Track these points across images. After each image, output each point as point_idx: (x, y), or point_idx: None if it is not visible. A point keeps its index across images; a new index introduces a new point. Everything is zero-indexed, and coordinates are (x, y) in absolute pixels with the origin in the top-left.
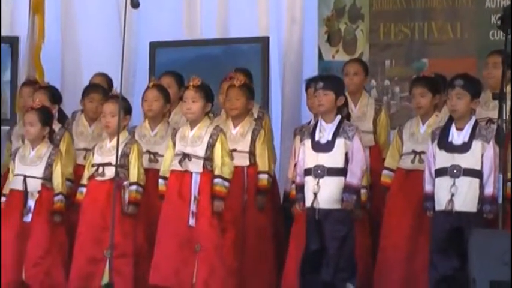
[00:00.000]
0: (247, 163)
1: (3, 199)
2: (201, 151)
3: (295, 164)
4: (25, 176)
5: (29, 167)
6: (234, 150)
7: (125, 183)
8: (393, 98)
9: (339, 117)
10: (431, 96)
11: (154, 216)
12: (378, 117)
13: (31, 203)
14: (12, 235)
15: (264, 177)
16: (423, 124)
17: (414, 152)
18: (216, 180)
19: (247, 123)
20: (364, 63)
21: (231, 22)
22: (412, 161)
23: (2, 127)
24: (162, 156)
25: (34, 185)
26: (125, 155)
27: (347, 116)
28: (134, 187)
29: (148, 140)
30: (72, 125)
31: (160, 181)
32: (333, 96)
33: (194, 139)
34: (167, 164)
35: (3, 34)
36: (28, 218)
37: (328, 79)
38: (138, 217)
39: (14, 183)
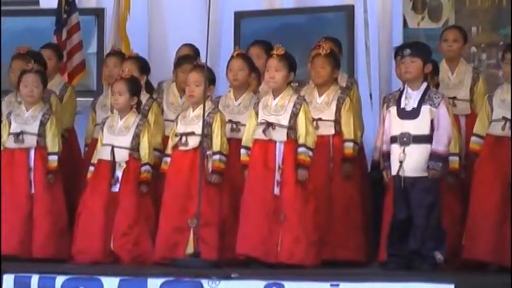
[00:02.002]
0: (333, 132)
1: (91, 169)
2: (284, 120)
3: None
4: (113, 146)
5: (117, 137)
6: (320, 119)
7: (208, 152)
8: (480, 65)
9: (425, 84)
10: None
11: (236, 185)
12: (476, 85)
13: (119, 173)
14: (101, 205)
15: (349, 145)
16: None
17: (504, 118)
18: (300, 149)
19: (332, 91)
20: (464, 30)
21: None
22: (502, 128)
23: (88, 98)
24: (244, 125)
25: (122, 155)
26: (208, 125)
27: (436, 85)
28: (217, 156)
29: (232, 110)
30: (163, 94)
31: (243, 151)
32: (421, 63)
33: (277, 108)
34: (249, 133)
35: (89, 6)
36: (116, 188)
37: (415, 46)
38: (222, 186)
39: (102, 153)
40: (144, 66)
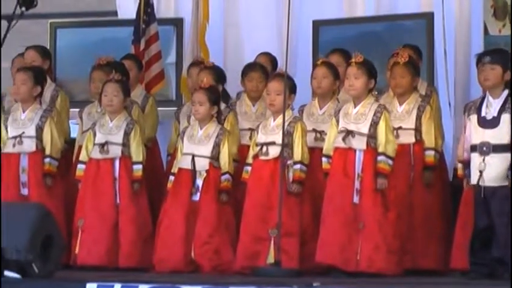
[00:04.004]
0: (413, 140)
1: (172, 178)
2: (364, 128)
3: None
4: (193, 155)
5: (197, 146)
6: (400, 127)
7: (289, 162)
8: None
9: (506, 91)
10: None
11: (319, 194)
12: None
13: (199, 182)
14: (182, 214)
15: (430, 154)
16: None
17: None
18: (380, 157)
19: (412, 100)
20: None
21: None
22: None
23: (167, 108)
24: None
25: (202, 164)
26: (289, 134)
27: None
28: (298, 166)
29: (316, 118)
30: (236, 105)
31: (324, 159)
32: (500, 70)
33: (358, 116)
34: (330, 142)
35: (168, 16)
36: (196, 197)
37: (495, 53)
38: (303, 196)
39: (183, 162)
40: (220, 75)
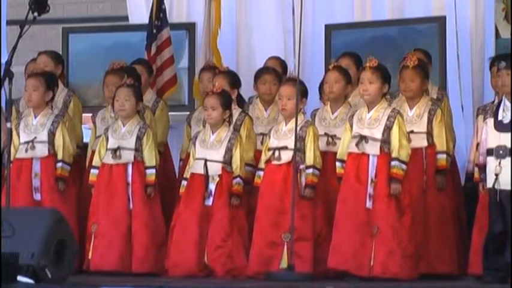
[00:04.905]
0: (425, 144)
1: (184, 183)
2: (378, 133)
3: (477, 144)
4: (206, 160)
5: (210, 151)
6: (412, 131)
7: (302, 166)
8: None
9: None
10: None
11: (332, 198)
12: None
13: (212, 186)
14: (195, 219)
15: (442, 157)
16: None
17: None
18: (393, 162)
19: (423, 103)
20: None
21: (404, 2)
22: None
23: (179, 113)
24: (340, 139)
25: (215, 169)
26: (301, 138)
27: None
28: (311, 170)
29: (328, 123)
30: (248, 109)
31: (338, 164)
32: None
33: (371, 121)
34: (344, 146)
35: (180, 21)
36: (209, 202)
37: (509, 58)
38: (316, 200)
39: (195, 167)
40: (235, 80)
